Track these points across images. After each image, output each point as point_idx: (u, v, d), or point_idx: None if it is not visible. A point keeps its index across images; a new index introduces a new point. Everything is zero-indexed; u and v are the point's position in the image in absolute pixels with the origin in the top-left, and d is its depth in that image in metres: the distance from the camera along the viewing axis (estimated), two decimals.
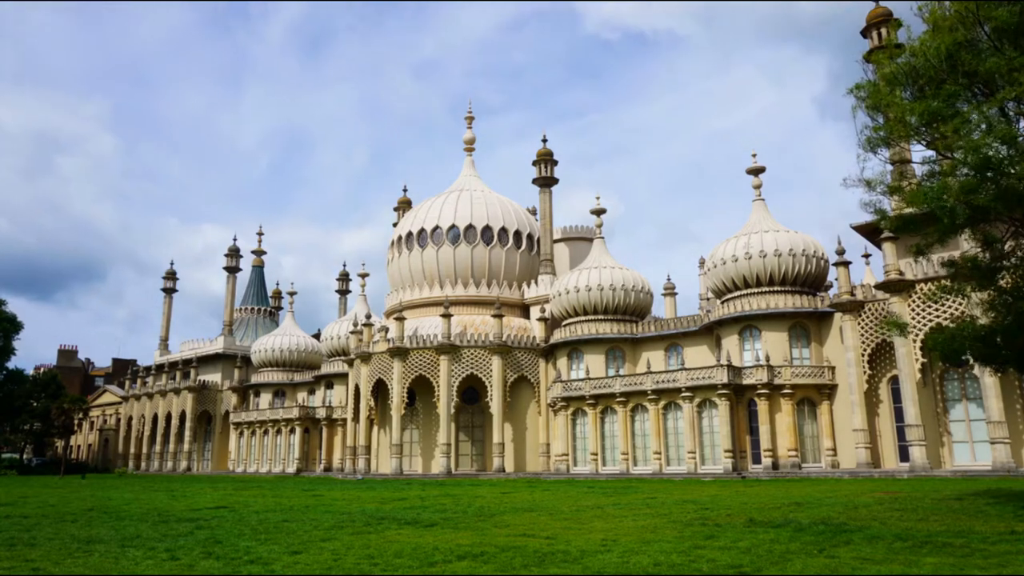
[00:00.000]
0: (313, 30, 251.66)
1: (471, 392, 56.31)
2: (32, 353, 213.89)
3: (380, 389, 57.01)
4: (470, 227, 61.92)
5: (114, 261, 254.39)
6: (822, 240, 53.24)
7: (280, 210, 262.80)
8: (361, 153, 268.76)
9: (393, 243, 66.01)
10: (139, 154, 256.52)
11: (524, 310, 61.58)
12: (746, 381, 43.96)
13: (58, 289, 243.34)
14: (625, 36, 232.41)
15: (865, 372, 41.56)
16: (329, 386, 71.91)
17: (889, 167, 18.28)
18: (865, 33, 43.33)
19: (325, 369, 72.11)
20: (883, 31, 41.96)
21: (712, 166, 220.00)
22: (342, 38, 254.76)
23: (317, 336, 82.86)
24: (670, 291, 67.64)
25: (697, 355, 49.47)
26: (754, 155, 49.84)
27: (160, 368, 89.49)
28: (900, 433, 40.04)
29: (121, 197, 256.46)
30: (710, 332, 49.11)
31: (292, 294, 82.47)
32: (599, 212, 58.86)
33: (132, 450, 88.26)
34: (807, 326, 45.05)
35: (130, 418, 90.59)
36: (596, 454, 49.08)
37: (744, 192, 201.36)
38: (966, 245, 24.42)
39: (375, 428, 59.56)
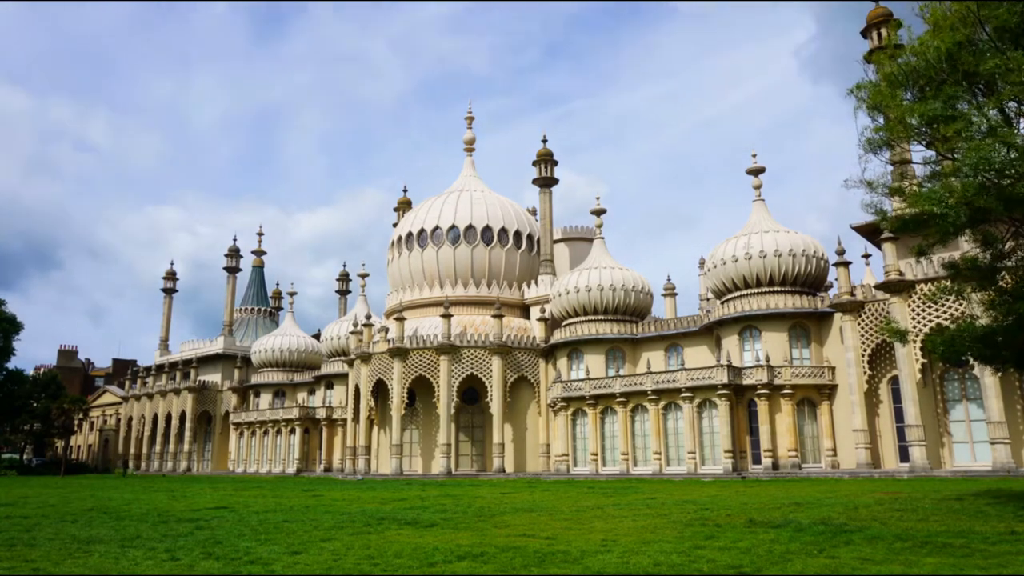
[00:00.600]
0: (271, 8, 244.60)
1: (471, 392, 56.31)
2: (32, 353, 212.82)
3: (380, 389, 57.00)
4: (470, 227, 61.94)
5: (67, 246, 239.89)
6: (820, 237, 53.27)
7: (230, 191, 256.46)
8: (322, 135, 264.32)
9: (393, 243, 66.02)
10: (67, 126, 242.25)
11: (524, 310, 61.58)
12: (746, 381, 43.95)
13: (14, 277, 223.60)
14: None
15: (865, 372, 41.55)
16: (329, 386, 71.91)
17: (890, 168, 18.28)
18: (865, 33, 43.36)
19: (325, 369, 72.11)
20: (883, 31, 41.98)
21: (701, 152, 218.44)
22: (302, 16, 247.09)
23: (317, 336, 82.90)
24: (670, 291, 67.68)
25: (697, 355, 49.46)
26: (754, 155, 49.88)
27: (160, 368, 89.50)
28: (900, 433, 40.03)
29: (52, 171, 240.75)
30: (710, 332, 49.11)
31: (292, 294, 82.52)
32: (599, 212, 58.87)
33: (132, 450, 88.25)
34: (807, 326, 45.05)
35: (130, 418, 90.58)
36: (596, 454, 49.07)
37: (733, 174, 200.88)
38: (966, 246, 24.41)
39: (375, 428, 59.55)
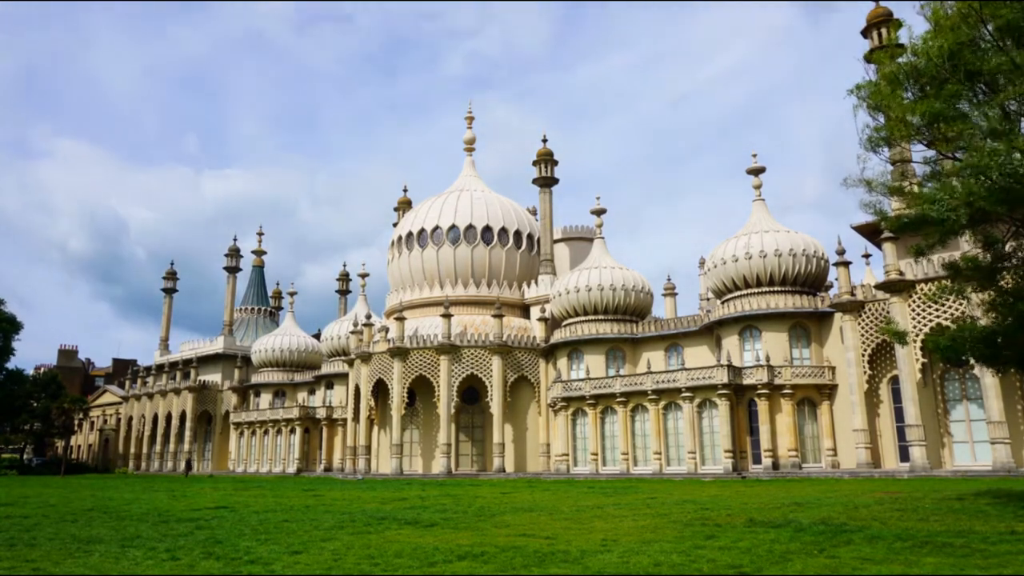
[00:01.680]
0: None
1: (471, 392, 56.30)
2: (32, 353, 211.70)
3: (380, 389, 57.00)
4: (470, 227, 61.94)
5: None
6: (820, 237, 52.86)
7: (119, 148, 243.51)
8: (240, 92, 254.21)
9: (393, 243, 66.04)
10: None
11: (524, 310, 61.57)
12: (746, 381, 43.94)
13: None
14: None
15: (865, 372, 41.54)
16: (329, 386, 71.91)
17: (889, 167, 18.26)
18: (865, 33, 43.35)
19: (325, 369, 72.11)
20: (883, 31, 41.98)
21: (673, 128, 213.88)
22: None
23: (317, 336, 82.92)
24: (670, 291, 67.67)
25: (697, 355, 49.45)
26: (754, 155, 49.86)
27: (160, 368, 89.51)
28: (900, 433, 40.03)
29: None
30: (710, 332, 49.10)
31: (292, 294, 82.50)
32: (599, 212, 58.86)
33: (132, 450, 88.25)
34: (807, 326, 45.04)
35: (130, 418, 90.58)
36: (596, 454, 49.07)
37: (711, 152, 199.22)
38: (966, 246, 24.40)
39: (375, 428, 59.54)
